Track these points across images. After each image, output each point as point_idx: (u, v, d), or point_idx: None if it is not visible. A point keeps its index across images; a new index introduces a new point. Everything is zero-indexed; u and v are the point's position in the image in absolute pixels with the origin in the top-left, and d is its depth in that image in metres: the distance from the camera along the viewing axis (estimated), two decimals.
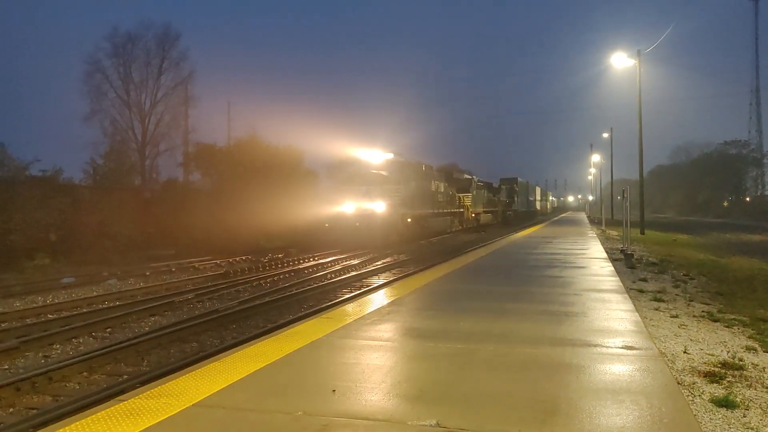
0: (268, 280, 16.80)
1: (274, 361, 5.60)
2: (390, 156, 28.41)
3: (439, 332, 6.86)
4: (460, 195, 40.83)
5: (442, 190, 35.40)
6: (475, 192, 44.78)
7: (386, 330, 7.07)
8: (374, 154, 28.19)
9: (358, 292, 12.99)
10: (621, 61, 32.83)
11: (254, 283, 16.06)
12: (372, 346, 6.31)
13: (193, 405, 4.42)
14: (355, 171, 27.67)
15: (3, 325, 10.74)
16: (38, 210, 22.24)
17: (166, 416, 4.18)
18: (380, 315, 7.96)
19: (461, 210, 40.72)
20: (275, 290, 14.50)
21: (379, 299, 9.21)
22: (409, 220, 28.20)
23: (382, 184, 26.78)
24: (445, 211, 35.71)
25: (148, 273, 19.05)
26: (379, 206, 26.41)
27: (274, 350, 6.01)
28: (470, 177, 44.51)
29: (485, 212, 49.00)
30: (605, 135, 70.24)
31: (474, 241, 30.42)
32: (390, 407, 4.35)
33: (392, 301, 9.00)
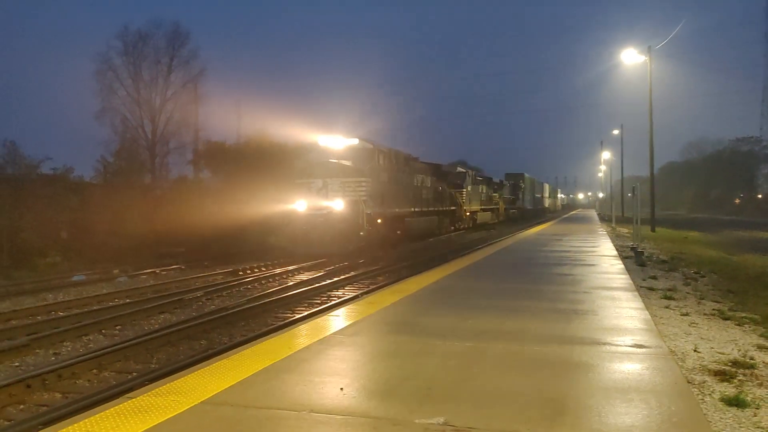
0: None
1: (283, 358, 5.61)
2: (354, 142, 22.81)
3: (448, 330, 6.84)
4: (453, 191, 35.93)
5: (429, 185, 30.24)
6: (470, 188, 39.94)
7: (394, 328, 7.05)
8: (334, 140, 22.87)
9: (362, 292, 12.96)
10: (631, 58, 32.63)
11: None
12: (382, 342, 6.31)
13: (201, 402, 4.43)
14: (309, 161, 22.68)
15: (14, 323, 10.82)
16: (49, 208, 22.38)
17: (174, 414, 4.19)
18: (386, 313, 7.95)
19: (453, 208, 35.46)
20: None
21: (382, 298, 9.20)
22: (379, 220, 22.49)
23: (343, 177, 21.39)
24: (432, 209, 30.35)
25: (158, 271, 19.14)
26: (337, 204, 21.09)
27: (284, 347, 6.01)
28: (464, 171, 40.05)
29: (484, 210, 44.39)
30: (615, 132, 69.90)
31: (476, 241, 30.12)
32: (398, 405, 4.34)
33: (399, 300, 8.99)
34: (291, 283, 15.61)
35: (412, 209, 26.94)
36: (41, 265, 19.72)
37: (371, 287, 13.90)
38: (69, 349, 9.13)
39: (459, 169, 39.98)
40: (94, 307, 12.06)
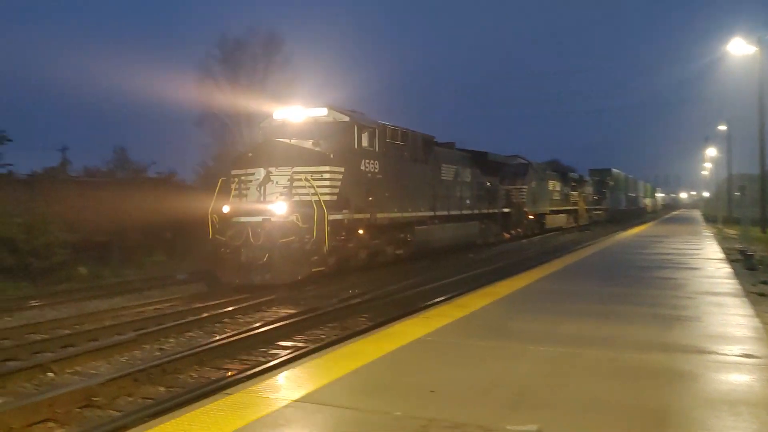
0: None
1: (373, 360, 5.65)
2: (321, 112, 15.52)
3: (539, 334, 6.69)
4: (509, 188, 28.18)
5: (468, 179, 22.73)
6: (535, 184, 31.72)
7: (485, 331, 6.97)
8: (293, 112, 15.86)
9: (450, 296, 12.87)
10: (739, 48, 30.75)
11: None
12: (470, 346, 6.25)
13: (295, 401, 4.53)
14: (252, 145, 16.84)
15: (124, 318, 11.46)
16: (155, 210, 23.61)
17: (269, 411, 4.31)
18: (476, 316, 7.87)
19: (508, 210, 27.48)
20: None
21: (472, 301, 9.11)
22: (360, 231, 15.61)
23: (296, 165, 14.17)
24: (472, 211, 22.82)
25: None
26: (277, 207, 13.73)
27: (374, 349, 6.07)
28: (526, 162, 31.58)
29: (556, 212, 36.13)
30: (722, 127, 66.13)
31: (567, 244, 28.89)
32: (489, 411, 4.27)
33: (490, 303, 8.87)
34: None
35: (433, 213, 19.44)
36: (148, 263, 20.81)
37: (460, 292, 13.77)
38: (173, 344, 9.58)
39: (519, 159, 31.65)
40: (196, 305, 12.59)
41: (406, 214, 17.65)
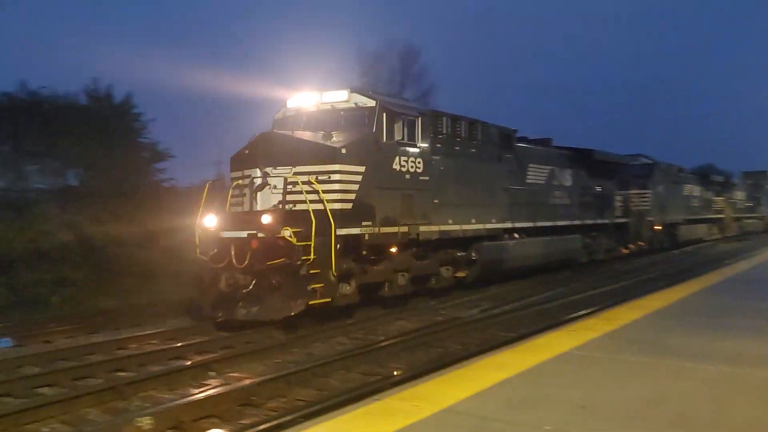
0: None
1: (519, 372, 5.61)
2: (341, 96, 12.25)
3: (697, 351, 6.30)
4: (625, 194, 23.67)
5: (567, 183, 19.03)
6: (663, 187, 26.78)
7: (636, 347, 6.68)
8: (308, 98, 12.62)
9: (596, 308, 12.39)
10: None
11: None
12: (621, 362, 6.02)
13: (442, 410, 4.60)
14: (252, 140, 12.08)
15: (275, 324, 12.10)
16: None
17: (418, 419, 4.42)
18: (627, 330, 7.55)
19: (625, 220, 23.14)
20: None
21: (622, 314, 8.73)
22: (393, 249, 12.31)
23: (298, 164, 11.12)
24: (565, 224, 18.48)
25: None
26: (265, 219, 10.50)
27: (518, 361, 6.01)
28: (651, 162, 26.90)
29: (692, 221, 30.48)
30: None
31: (724, 254, 26.37)
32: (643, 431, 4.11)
33: (642, 316, 8.48)
34: None
35: (511, 224, 15.69)
36: None
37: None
38: (320, 349, 10.01)
39: (642, 159, 26.79)
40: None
41: (466, 227, 14.00)
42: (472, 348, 9.59)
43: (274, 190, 11.08)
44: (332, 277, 10.63)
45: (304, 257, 10.18)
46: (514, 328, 11.12)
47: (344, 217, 10.91)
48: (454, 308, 13.15)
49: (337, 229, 10.52)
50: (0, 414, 6.47)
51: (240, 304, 10.48)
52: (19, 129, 18.68)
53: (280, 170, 11.12)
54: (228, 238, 10.82)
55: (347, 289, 11.21)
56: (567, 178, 18.99)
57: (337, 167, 11.00)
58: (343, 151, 11.08)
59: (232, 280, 10.60)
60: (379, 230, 11.57)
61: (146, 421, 6.06)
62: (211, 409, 6.68)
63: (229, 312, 10.61)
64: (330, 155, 11.09)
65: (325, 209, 10.48)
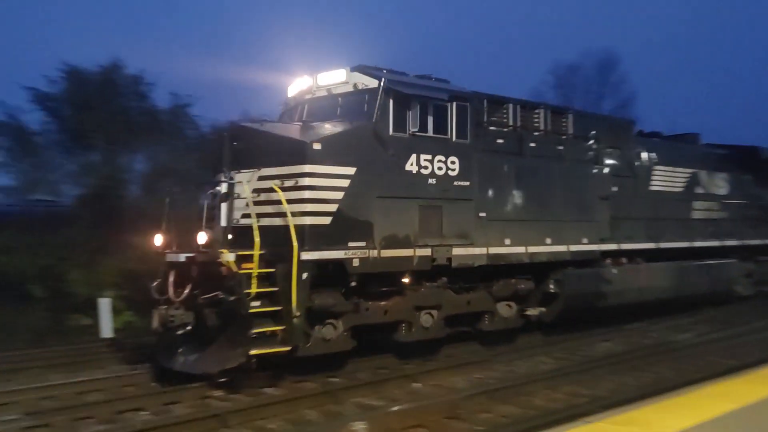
0: None
1: (748, 405, 5.18)
2: (339, 77, 9.64)
3: None
4: None
5: (721, 192, 15.24)
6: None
7: None
8: (305, 83, 10.19)
9: None
10: None
11: None
12: None
13: None
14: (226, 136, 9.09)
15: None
16: None
17: None
18: None
19: None
20: None
21: None
22: (406, 279, 9.47)
23: (268, 166, 8.69)
24: (712, 245, 14.53)
25: None
26: (200, 239, 8.23)
27: (744, 392, 5.54)
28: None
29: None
30: None
31: None
32: None
33: None
34: None
35: (617, 246, 12.00)
36: None
37: None
38: (523, 368, 9.93)
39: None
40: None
41: (535, 249, 10.57)
42: (688, 375, 8.97)
43: (240, 199, 8.58)
44: (294, 320, 8.01)
45: (246, 290, 7.83)
46: (737, 356, 10.21)
47: (317, 236, 8.29)
48: (666, 331, 12.36)
49: (302, 252, 8.05)
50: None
51: (180, 349, 8.36)
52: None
53: (246, 174, 8.72)
54: (171, 262, 8.71)
55: (330, 332, 8.60)
56: (721, 184, 15.08)
57: (307, 168, 8.33)
58: (316, 147, 8.37)
59: (166, 317, 8.31)
60: (379, 253, 8.77)
61: (361, 426, 6.48)
62: (419, 419, 6.94)
63: (167, 359, 8.49)
64: (298, 153, 8.43)
65: (290, 225, 8.01)
